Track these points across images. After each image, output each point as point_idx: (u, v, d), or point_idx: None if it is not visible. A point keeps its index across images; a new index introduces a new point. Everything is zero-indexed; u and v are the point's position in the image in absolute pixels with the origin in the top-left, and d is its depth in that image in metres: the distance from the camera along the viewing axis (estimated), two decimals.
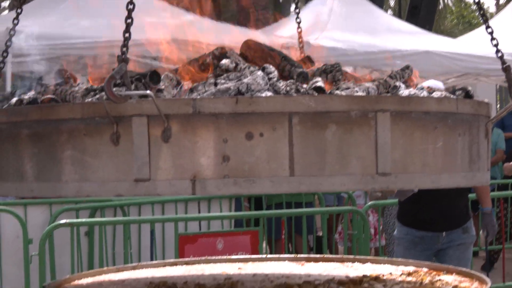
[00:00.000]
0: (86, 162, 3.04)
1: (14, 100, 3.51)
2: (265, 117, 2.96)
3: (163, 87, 3.16)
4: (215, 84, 3.10)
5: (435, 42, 13.84)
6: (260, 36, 4.28)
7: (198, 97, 3.03)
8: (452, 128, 3.32)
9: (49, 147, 3.12)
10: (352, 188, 3.12)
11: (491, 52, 3.79)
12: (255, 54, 3.41)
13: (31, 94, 3.57)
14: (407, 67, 3.64)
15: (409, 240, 6.28)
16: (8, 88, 10.64)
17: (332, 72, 3.47)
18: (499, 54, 3.63)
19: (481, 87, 15.61)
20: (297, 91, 3.03)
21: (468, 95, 3.56)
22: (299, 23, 4.44)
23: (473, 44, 13.99)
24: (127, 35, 2.96)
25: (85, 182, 3.05)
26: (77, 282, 4.21)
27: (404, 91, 3.43)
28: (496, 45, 3.65)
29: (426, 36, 14.48)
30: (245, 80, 3.05)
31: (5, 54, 3.82)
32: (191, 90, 3.12)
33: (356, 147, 3.06)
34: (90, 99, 3.17)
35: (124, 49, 2.93)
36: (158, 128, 2.95)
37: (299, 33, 4.44)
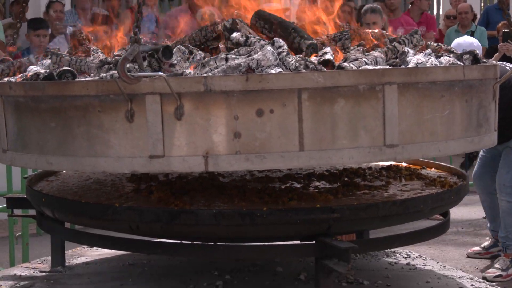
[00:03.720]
0: (102, 138, 3.13)
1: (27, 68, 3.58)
2: (275, 94, 3.02)
3: (175, 61, 3.22)
4: (226, 59, 3.15)
5: None
6: None
7: (209, 74, 3.09)
8: (459, 95, 3.37)
9: (66, 122, 3.20)
10: (360, 161, 3.19)
11: None
12: (265, 25, 3.44)
13: (47, 63, 3.64)
14: (416, 31, 3.67)
15: None
16: None
17: (342, 40, 3.51)
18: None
19: None
20: (306, 67, 3.08)
21: (476, 58, 3.60)
22: None
23: None
24: (138, 15, 3.00)
25: (101, 157, 3.14)
26: (59, 173, 4.26)
27: (411, 57, 3.47)
28: None
29: None
30: (255, 56, 3.10)
31: None
32: (203, 65, 3.18)
33: (364, 120, 3.12)
34: (104, 75, 3.23)
35: (137, 29, 2.97)
36: (171, 105, 3.03)
37: None
